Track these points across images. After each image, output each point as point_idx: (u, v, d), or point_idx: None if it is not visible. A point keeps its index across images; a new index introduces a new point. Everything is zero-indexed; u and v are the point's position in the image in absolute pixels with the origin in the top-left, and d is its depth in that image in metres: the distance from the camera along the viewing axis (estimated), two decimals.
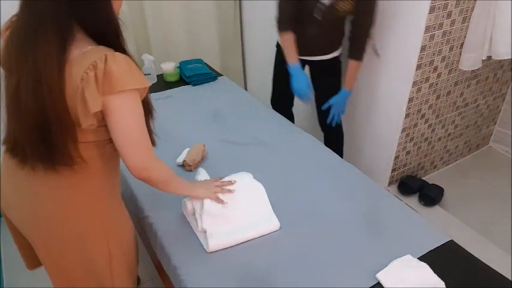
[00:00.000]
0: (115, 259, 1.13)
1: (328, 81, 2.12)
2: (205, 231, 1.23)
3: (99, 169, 1.04)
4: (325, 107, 2.07)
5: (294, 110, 2.36)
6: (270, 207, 1.32)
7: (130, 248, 1.20)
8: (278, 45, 2.13)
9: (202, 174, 1.38)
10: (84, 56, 0.89)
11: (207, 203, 1.22)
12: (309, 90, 1.94)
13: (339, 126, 2.22)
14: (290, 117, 2.34)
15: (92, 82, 0.87)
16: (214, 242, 1.20)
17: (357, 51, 1.94)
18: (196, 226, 1.26)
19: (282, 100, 2.28)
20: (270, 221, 1.28)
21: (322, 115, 2.15)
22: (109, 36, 0.94)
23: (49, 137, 0.92)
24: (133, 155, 0.99)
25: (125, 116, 0.95)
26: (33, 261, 1.22)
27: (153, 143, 1.09)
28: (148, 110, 1.06)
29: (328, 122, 2.09)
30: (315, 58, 2.03)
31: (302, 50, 1.93)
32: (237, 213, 1.26)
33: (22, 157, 0.98)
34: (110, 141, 0.99)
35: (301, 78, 1.91)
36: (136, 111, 0.96)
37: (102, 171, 1.05)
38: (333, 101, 2.04)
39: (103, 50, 0.90)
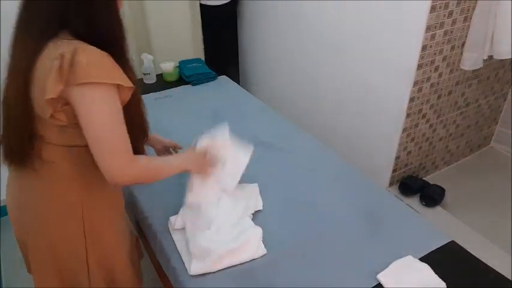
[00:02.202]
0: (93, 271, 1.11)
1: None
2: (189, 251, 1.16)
3: (73, 176, 1.00)
4: None
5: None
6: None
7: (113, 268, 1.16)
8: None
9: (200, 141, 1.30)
10: (56, 48, 0.85)
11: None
12: None
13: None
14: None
15: (54, 70, 0.82)
16: (199, 266, 1.12)
17: None
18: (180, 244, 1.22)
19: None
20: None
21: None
22: (111, 39, 0.89)
23: (9, 133, 0.94)
24: (106, 159, 0.89)
25: (92, 112, 0.86)
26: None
27: (142, 152, 1.04)
28: (136, 119, 0.99)
29: None
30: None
31: None
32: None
33: (3, 157, 1.00)
34: (87, 149, 0.91)
35: None
36: (107, 109, 0.87)
37: (79, 179, 1.01)
38: None
39: (77, 44, 0.85)
